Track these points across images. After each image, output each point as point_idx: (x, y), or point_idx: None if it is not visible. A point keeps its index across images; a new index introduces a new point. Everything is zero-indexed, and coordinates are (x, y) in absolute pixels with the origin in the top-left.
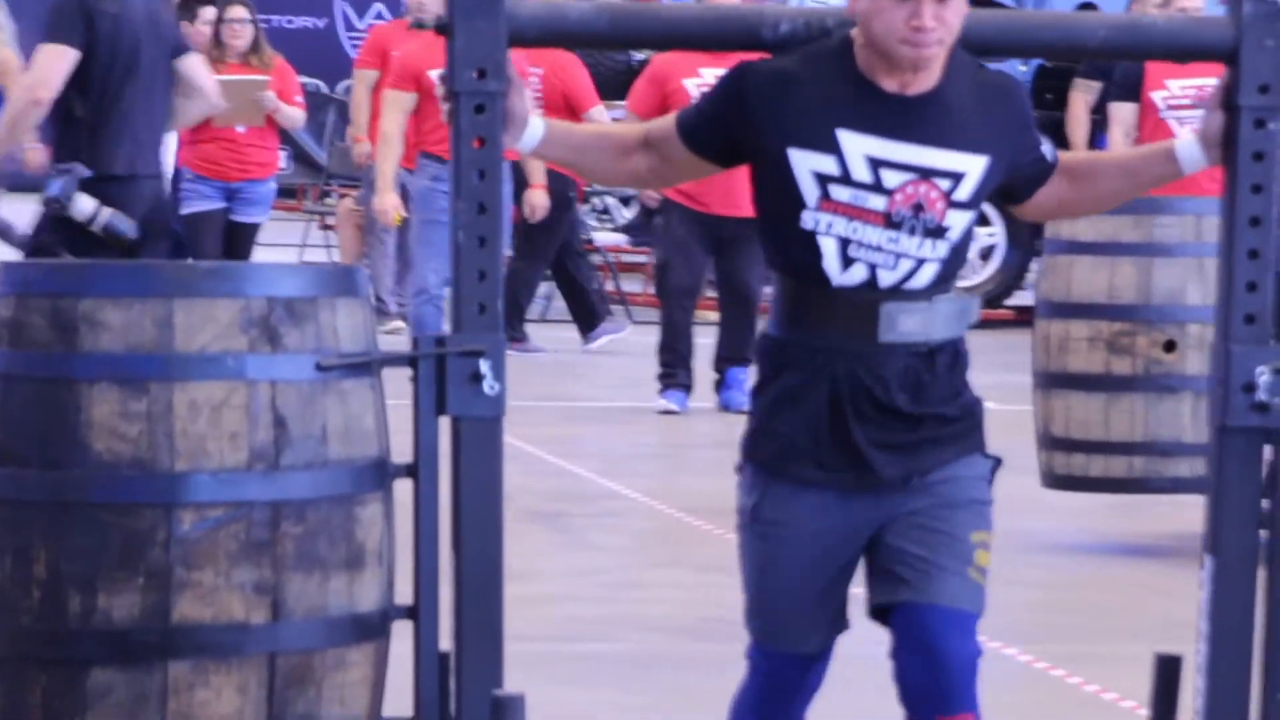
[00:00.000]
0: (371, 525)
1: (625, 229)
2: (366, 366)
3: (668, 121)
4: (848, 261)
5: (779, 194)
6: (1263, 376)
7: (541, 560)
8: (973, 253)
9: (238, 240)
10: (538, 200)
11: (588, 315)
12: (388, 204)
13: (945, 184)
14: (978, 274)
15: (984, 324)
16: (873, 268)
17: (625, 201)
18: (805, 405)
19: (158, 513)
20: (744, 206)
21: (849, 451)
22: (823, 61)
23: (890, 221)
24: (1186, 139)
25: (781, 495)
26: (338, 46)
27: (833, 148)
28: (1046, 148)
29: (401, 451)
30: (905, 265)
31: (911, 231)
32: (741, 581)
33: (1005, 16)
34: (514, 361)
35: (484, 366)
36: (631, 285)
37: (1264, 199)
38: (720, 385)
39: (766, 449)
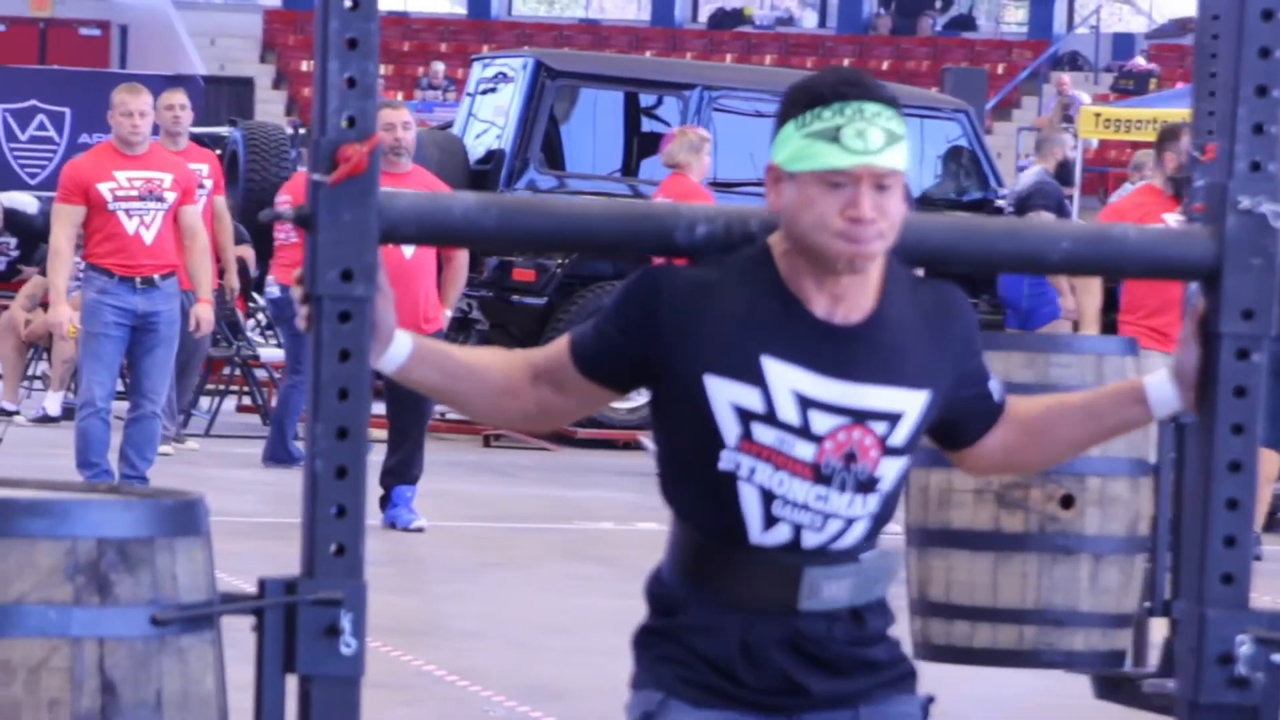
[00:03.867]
0: None
1: None
2: (208, 618)
3: (559, 350)
4: (770, 520)
5: (692, 430)
6: (1243, 647)
7: None
8: None
9: None
10: (204, 315)
11: None
12: (61, 316)
13: (881, 428)
14: (644, 396)
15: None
16: (798, 528)
17: None
18: (712, 662)
19: None
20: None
21: (771, 674)
22: (744, 273)
23: (819, 475)
24: (1158, 378)
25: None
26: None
27: (757, 379)
28: (995, 384)
29: (241, 711)
30: (834, 526)
31: (842, 487)
32: None
33: (957, 224)
34: None
35: (343, 619)
36: None
37: (1246, 441)
38: (385, 502)
39: (667, 673)
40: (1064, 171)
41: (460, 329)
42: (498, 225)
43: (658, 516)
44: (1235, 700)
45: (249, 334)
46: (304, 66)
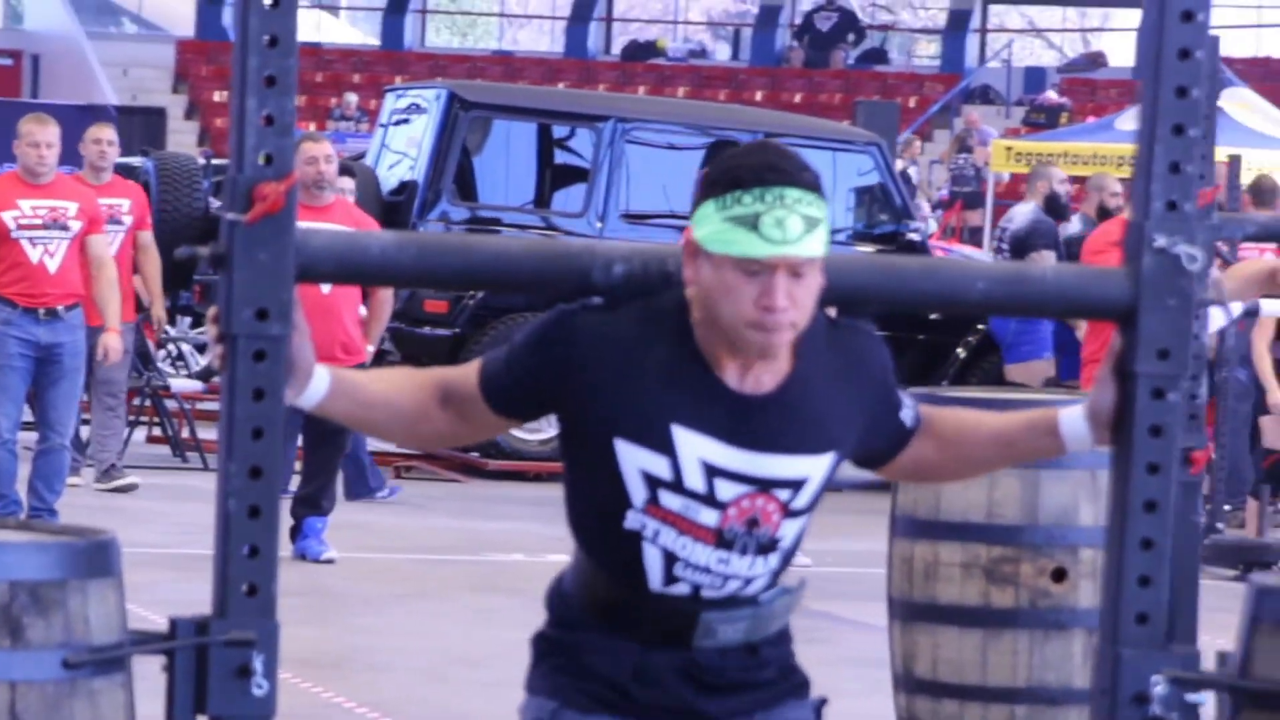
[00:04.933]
0: None
1: (200, 375)
2: (120, 660)
3: (468, 379)
4: (671, 579)
5: (599, 486)
6: (1158, 687)
7: None
8: None
9: None
10: (113, 344)
11: None
12: None
13: (784, 494)
14: (554, 427)
15: (555, 477)
16: (697, 587)
17: (199, 348)
18: (604, 679)
19: None
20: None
21: (665, 696)
22: (658, 329)
23: (721, 539)
24: (1073, 412)
25: None
26: None
27: (666, 447)
28: (907, 412)
29: None
30: (732, 585)
31: (743, 551)
32: None
33: (876, 265)
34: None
35: (255, 660)
36: (207, 432)
37: (1161, 481)
38: (296, 533)
39: (562, 681)
40: (1054, 204)
41: (374, 361)
42: (415, 264)
43: (568, 548)
44: None
45: (159, 364)
46: (216, 97)
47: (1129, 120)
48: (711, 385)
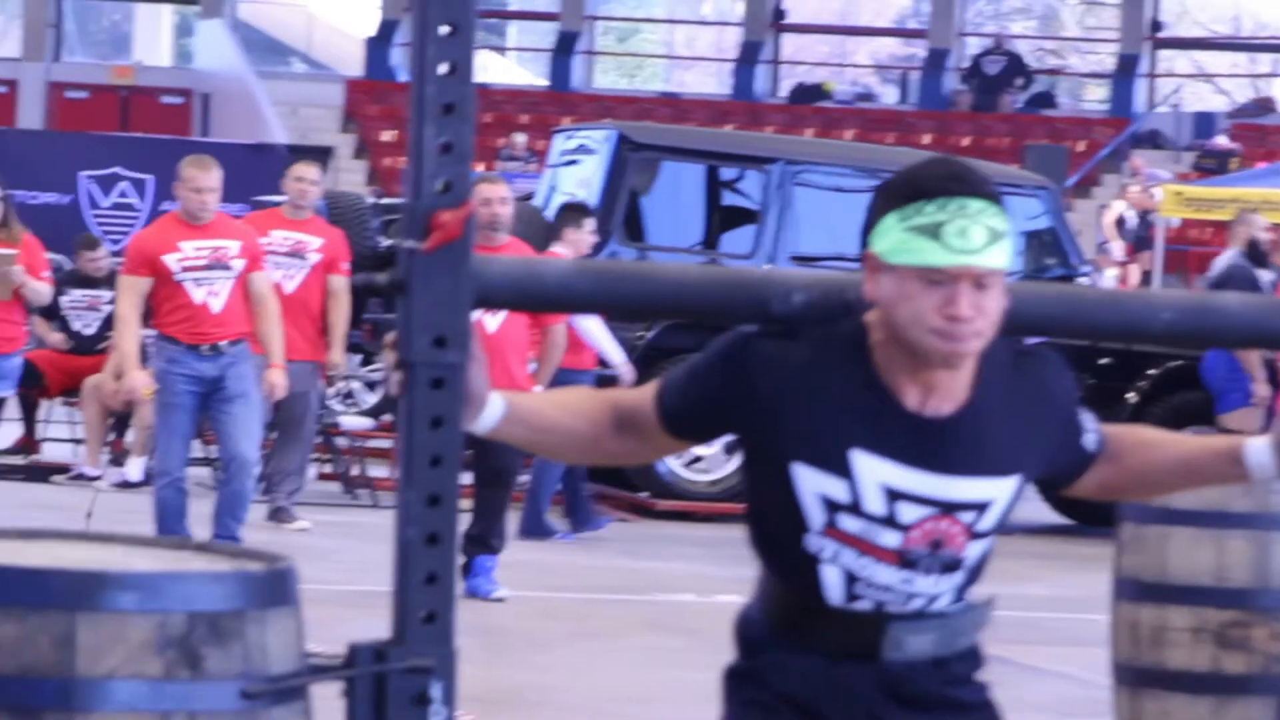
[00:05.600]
0: None
1: (371, 412)
2: (298, 689)
3: (644, 403)
4: (852, 596)
5: (777, 507)
6: None
7: None
8: (716, 447)
9: None
10: (277, 379)
11: None
12: (137, 382)
13: (968, 517)
14: (722, 468)
15: (728, 518)
16: (880, 604)
17: (370, 386)
18: (802, 703)
19: None
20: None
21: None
22: (836, 354)
23: (904, 560)
24: (1259, 442)
25: None
26: (81, 223)
27: (845, 471)
28: (1090, 437)
29: None
30: (916, 602)
31: (927, 571)
32: None
33: (1057, 295)
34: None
35: (434, 688)
36: (378, 470)
37: None
38: (466, 570)
39: (752, 717)
40: (1254, 251)
41: None
42: (592, 290)
43: (739, 589)
44: None
45: (329, 402)
46: (385, 136)
47: None
48: (892, 409)
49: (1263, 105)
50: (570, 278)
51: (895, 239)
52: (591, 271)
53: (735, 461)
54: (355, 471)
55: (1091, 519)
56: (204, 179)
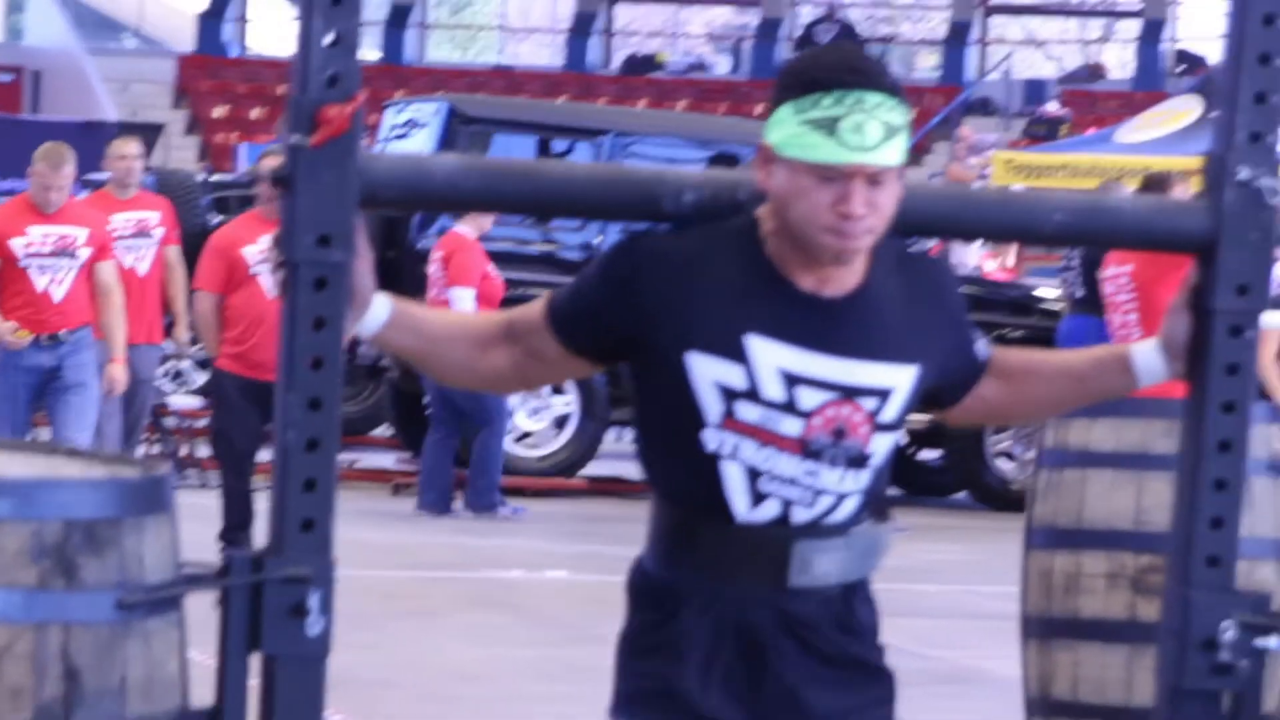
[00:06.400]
0: None
1: (201, 392)
2: (173, 599)
3: (536, 313)
4: (758, 496)
5: (672, 407)
6: (1228, 633)
7: None
8: (546, 422)
9: None
10: (118, 375)
11: None
12: (4, 326)
13: (870, 403)
14: (551, 443)
15: (557, 493)
16: (787, 504)
17: (201, 365)
18: (705, 655)
19: None
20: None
21: (773, 695)
22: (727, 245)
23: (807, 450)
24: (1146, 346)
25: None
26: None
27: (740, 356)
28: (980, 345)
29: (200, 684)
30: (824, 501)
31: (832, 462)
32: None
33: (950, 194)
34: None
35: (311, 598)
36: (207, 450)
37: (1237, 420)
38: None
39: (656, 706)
40: None
41: (371, 376)
42: (480, 188)
43: (567, 564)
44: (1218, 687)
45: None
46: (216, 112)
47: (1128, 132)
48: (785, 293)
49: (1093, 71)
50: (459, 175)
51: (790, 131)
52: (480, 169)
53: (565, 436)
54: (184, 452)
55: (917, 489)
56: (54, 178)
